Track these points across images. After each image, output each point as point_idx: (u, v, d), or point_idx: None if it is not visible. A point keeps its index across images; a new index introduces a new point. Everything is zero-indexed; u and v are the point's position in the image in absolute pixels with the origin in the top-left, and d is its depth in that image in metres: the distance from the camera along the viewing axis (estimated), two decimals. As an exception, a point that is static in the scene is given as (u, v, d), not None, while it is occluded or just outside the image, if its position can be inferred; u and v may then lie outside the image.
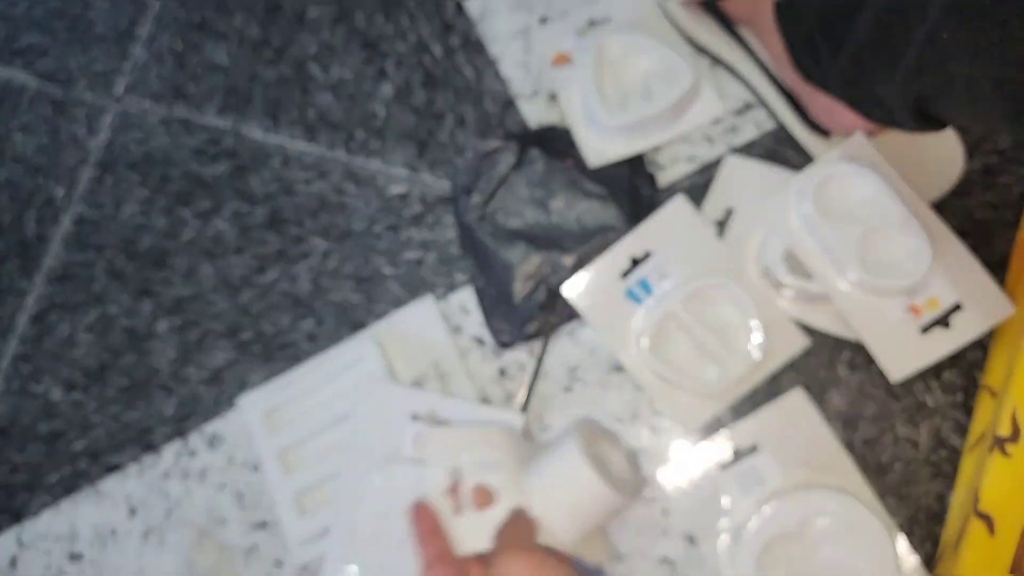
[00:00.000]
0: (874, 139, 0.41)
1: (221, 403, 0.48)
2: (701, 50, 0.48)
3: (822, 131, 0.44)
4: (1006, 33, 0.27)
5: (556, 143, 0.47)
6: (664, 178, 0.47)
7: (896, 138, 0.41)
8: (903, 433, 0.42)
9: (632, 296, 0.44)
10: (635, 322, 0.43)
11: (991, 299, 0.39)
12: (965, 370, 0.42)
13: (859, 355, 0.43)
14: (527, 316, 0.45)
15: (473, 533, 0.36)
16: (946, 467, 0.41)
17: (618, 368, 0.45)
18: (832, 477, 0.41)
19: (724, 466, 0.42)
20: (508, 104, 0.50)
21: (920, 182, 0.41)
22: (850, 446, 0.42)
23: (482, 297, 0.46)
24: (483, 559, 0.35)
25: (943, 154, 0.44)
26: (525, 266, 0.44)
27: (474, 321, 0.47)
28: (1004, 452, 0.36)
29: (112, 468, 0.48)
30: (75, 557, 0.46)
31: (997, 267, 0.42)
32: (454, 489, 0.37)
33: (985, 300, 0.39)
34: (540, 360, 0.45)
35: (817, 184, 0.39)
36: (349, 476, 0.42)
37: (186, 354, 0.49)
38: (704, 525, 0.41)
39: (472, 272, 0.47)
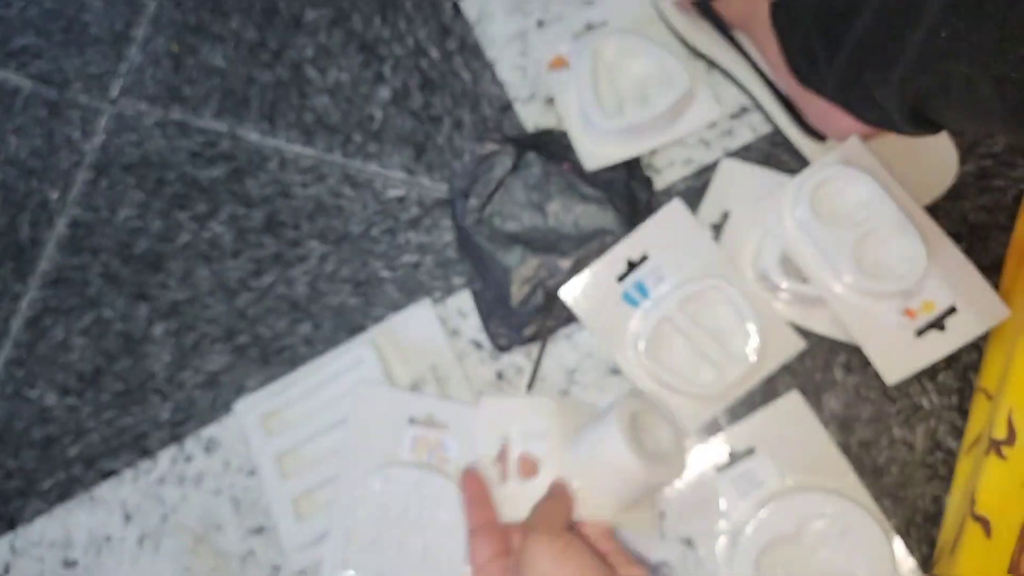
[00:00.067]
0: (869, 143, 0.41)
1: (217, 408, 0.47)
2: (697, 54, 0.48)
3: (818, 135, 0.44)
4: (1005, 32, 0.27)
5: (553, 146, 0.47)
6: (660, 181, 0.47)
7: (891, 142, 0.41)
8: (899, 435, 0.42)
9: (629, 299, 0.43)
10: (632, 325, 0.43)
11: (986, 302, 0.39)
12: (960, 372, 0.42)
13: (855, 358, 0.43)
14: (525, 320, 0.44)
15: (517, 502, 0.36)
16: (942, 469, 0.41)
17: (615, 371, 0.44)
18: (829, 479, 0.40)
19: (721, 469, 0.41)
20: (505, 107, 0.50)
21: (915, 185, 0.40)
22: (846, 448, 0.41)
23: (479, 301, 0.46)
24: (526, 530, 0.35)
25: (937, 158, 0.44)
26: (522, 269, 0.44)
27: (472, 324, 0.46)
28: (1000, 455, 0.36)
29: (107, 474, 0.47)
30: (69, 564, 0.46)
31: (992, 270, 0.42)
32: (501, 457, 0.37)
33: (980, 303, 0.39)
34: (538, 363, 0.45)
35: (813, 187, 0.39)
36: (347, 480, 0.41)
37: (182, 358, 0.48)
38: (701, 528, 0.41)
39: (469, 276, 0.46)
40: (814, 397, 0.42)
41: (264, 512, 0.44)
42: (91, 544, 0.46)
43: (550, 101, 0.49)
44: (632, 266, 0.44)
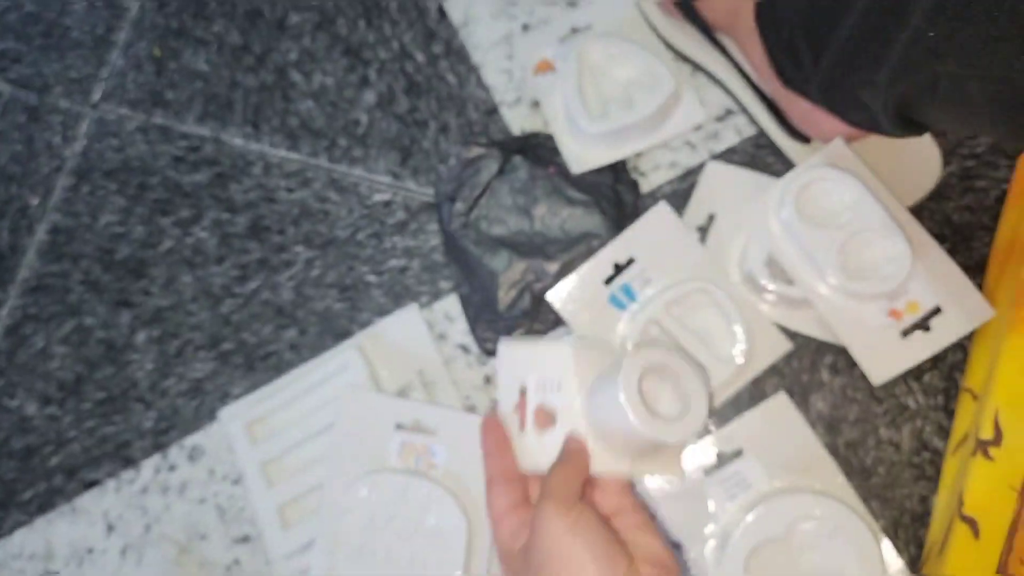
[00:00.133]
0: (853, 144, 0.40)
1: (202, 415, 0.45)
2: (682, 57, 0.47)
3: (802, 137, 0.43)
4: (993, 31, 0.26)
5: (539, 150, 0.46)
6: (646, 184, 0.46)
7: (875, 143, 0.41)
8: (886, 436, 0.41)
9: (616, 302, 0.42)
10: (619, 328, 0.42)
11: (970, 302, 0.38)
12: (946, 372, 0.41)
13: (841, 359, 0.42)
14: (512, 324, 0.43)
15: (533, 453, 0.34)
16: (929, 470, 0.40)
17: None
18: (816, 481, 0.39)
19: (709, 471, 0.40)
20: (491, 111, 0.49)
21: (898, 187, 0.40)
22: (834, 449, 0.41)
23: (466, 305, 0.45)
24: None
25: (921, 159, 0.43)
26: (509, 273, 0.43)
27: (459, 329, 0.45)
28: (987, 455, 0.35)
29: (89, 484, 0.45)
30: (50, 576, 0.44)
31: (976, 270, 0.41)
32: (520, 407, 0.35)
33: (964, 303, 0.38)
34: (525, 367, 0.43)
35: (798, 189, 0.39)
36: (333, 488, 0.40)
37: (165, 366, 0.47)
38: (690, 531, 0.40)
39: (456, 280, 0.45)
40: (801, 398, 0.42)
41: (250, 521, 0.43)
42: (73, 556, 0.44)
43: (536, 105, 0.48)
44: (619, 269, 0.43)
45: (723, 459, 0.40)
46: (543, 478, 0.33)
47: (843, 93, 0.36)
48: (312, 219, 0.48)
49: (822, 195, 0.39)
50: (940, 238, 0.39)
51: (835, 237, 0.38)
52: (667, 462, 0.35)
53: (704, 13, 0.44)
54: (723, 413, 0.42)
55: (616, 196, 0.45)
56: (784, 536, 0.38)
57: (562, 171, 0.45)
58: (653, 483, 0.41)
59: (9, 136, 0.52)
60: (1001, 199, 0.43)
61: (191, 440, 0.45)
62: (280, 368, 0.46)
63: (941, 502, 0.39)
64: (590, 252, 0.43)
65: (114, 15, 0.54)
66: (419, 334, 0.45)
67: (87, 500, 0.45)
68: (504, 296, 0.43)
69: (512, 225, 0.44)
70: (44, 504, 0.45)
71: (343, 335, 0.46)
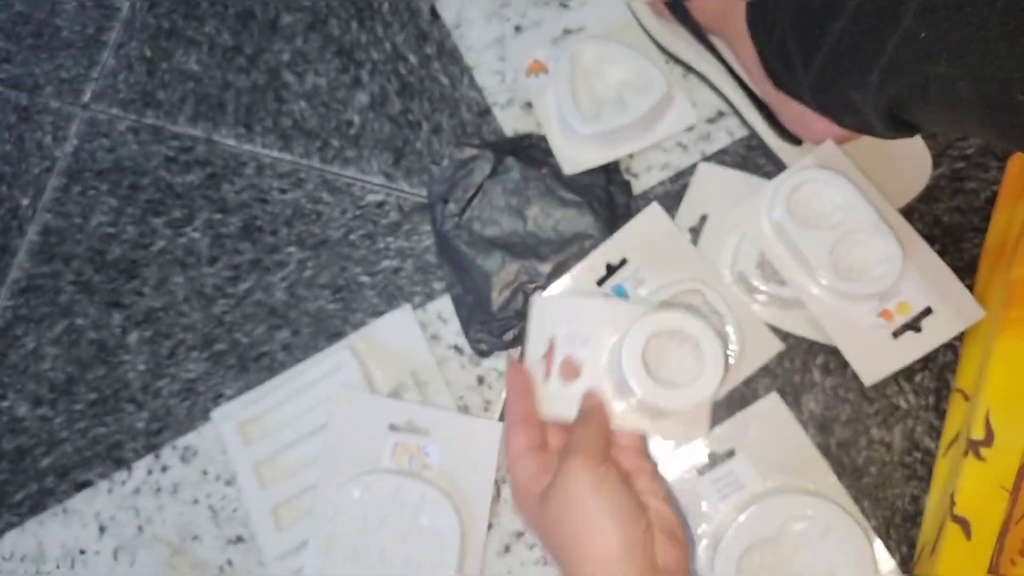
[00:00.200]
0: (844, 146, 0.39)
1: (194, 416, 0.44)
2: (674, 59, 0.46)
3: (794, 139, 0.42)
4: (984, 32, 0.26)
5: (532, 151, 0.45)
6: (639, 185, 0.45)
7: (865, 145, 0.40)
8: (877, 436, 0.40)
9: (609, 303, 0.41)
10: (612, 329, 0.41)
11: (961, 303, 0.38)
12: (937, 373, 0.40)
13: (833, 359, 0.41)
14: (505, 324, 0.42)
15: (555, 401, 0.35)
16: (920, 470, 0.39)
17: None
18: (808, 481, 0.39)
19: (701, 471, 0.39)
20: (484, 112, 0.48)
21: (889, 188, 0.39)
22: (825, 449, 0.40)
23: (459, 306, 0.44)
24: (563, 429, 0.35)
25: (911, 161, 0.42)
26: (502, 274, 0.42)
27: (452, 330, 0.44)
28: (978, 456, 0.34)
29: (81, 485, 0.44)
30: (42, 578, 0.43)
31: (966, 271, 0.40)
32: (547, 356, 0.36)
33: (955, 304, 0.38)
34: (518, 368, 0.42)
35: (789, 190, 0.38)
36: (327, 488, 0.39)
37: (157, 366, 0.45)
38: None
39: (449, 281, 0.44)
40: (793, 398, 0.41)
41: (243, 522, 0.42)
42: (65, 558, 0.43)
43: (528, 106, 0.47)
44: (611, 270, 0.42)
45: (715, 459, 0.40)
46: (571, 433, 0.33)
47: (834, 95, 0.35)
48: (305, 220, 0.47)
49: (813, 196, 0.38)
50: (930, 239, 0.39)
51: (826, 238, 0.37)
52: (689, 424, 0.35)
53: (696, 15, 0.43)
54: (715, 413, 0.41)
55: (609, 197, 0.44)
56: (776, 536, 0.37)
57: (555, 172, 0.44)
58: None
59: (-1, 136, 0.51)
60: (991, 200, 0.42)
61: (184, 441, 0.44)
62: (273, 369, 0.44)
63: (933, 502, 0.38)
64: (583, 253, 0.42)
65: (105, 15, 0.52)
66: (412, 335, 0.44)
67: (79, 501, 0.43)
68: (497, 297, 0.42)
69: (505, 226, 0.43)
70: (36, 505, 0.44)
71: (336, 336, 0.45)
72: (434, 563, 0.38)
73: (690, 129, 0.45)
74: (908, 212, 0.41)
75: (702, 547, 0.38)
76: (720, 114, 0.46)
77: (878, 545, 0.38)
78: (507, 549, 0.40)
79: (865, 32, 0.31)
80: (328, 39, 0.50)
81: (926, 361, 0.40)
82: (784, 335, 0.41)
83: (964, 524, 0.34)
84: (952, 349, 0.40)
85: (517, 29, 0.49)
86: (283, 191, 0.48)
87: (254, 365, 0.45)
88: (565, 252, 0.42)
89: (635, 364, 0.32)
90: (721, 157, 0.45)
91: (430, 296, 0.45)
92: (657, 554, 0.31)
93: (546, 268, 0.42)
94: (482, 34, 0.49)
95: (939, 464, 0.39)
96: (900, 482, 0.39)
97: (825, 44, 0.33)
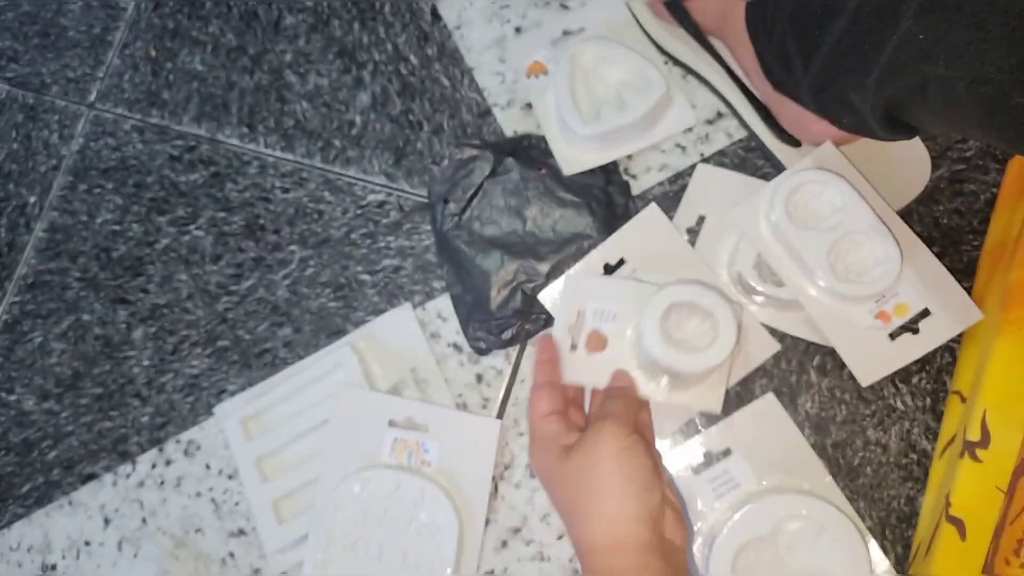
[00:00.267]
0: (843, 148, 0.39)
1: (198, 411, 0.44)
2: (673, 60, 0.45)
3: (793, 140, 0.42)
4: (982, 33, 0.25)
5: (531, 152, 0.44)
6: (637, 186, 0.45)
7: (865, 147, 0.39)
8: (873, 437, 0.39)
9: (607, 303, 0.41)
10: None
11: (958, 305, 0.37)
12: (935, 375, 0.40)
13: (830, 360, 0.40)
14: (504, 323, 0.42)
15: (579, 369, 0.38)
16: (916, 471, 0.39)
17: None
18: (804, 481, 0.38)
19: (697, 470, 0.39)
20: (484, 113, 0.47)
21: (888, 190, 0.39)
22: (821, 450, 0.39)
23: (459, 305, 0.43)
24: (579, 402, 0.38)
25: (910, 163, 0.42)
26: (501, 273, 0.42)
27: (451, 328, 0.44)
28: (975, 457, 0.34)
29: (86, 478, 0.44)
30: (48, 568, 0.43)
31: (965, 273, 0.40)
32: (575, 328, 0.38)
33: (953, 306, 0.37)
34: (516, 366, 0.42)
35: (788, 192, 0.37)
36: (327, 483, 0.39)
37: (162, 362, 0.45)
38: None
39: (449, 280, 0.44)
40: (789, 399, 0.40)
41: (245, 515, 0.42)
42: (70, 548, 0.43)
43: (529, 107, 0.47)
44: (609, 269, 0.41)
45: (711, 458, 0.39)
46: (602, 404, 0.35)
47: (833, 96, 0.35)
48: (307, 219, 0.47)
49: (812, 197, 0.38)
50: (929, 241, 0.38)
51: (824, 239, 0.36)
52: (702, 395, 0.37)
53: (695, 16, 0.42)
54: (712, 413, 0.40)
55: (607, 198, 0.43)
56: (771, 535, 0.36)
57: (554, 173, 0.43)
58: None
59: (7, 135, 0.51)
60: (991, 203, 0.41)
61: (187, 435, 0.44)
62: (275, 365, 0.44)
63: (928, 503, 0.38)
64: (581, 253, 0.42)
65: (110, 15, 0.52)
66: (412, 333, 0.43)
67: (84, 494, 0.43)
68: (496, 296, 0.42)
69: (504, 226, 0.43)
70: (42, 497, 0.44)
71: (337, 333, 0.44)
72: (432, 557, 0.38)
73: (689, 130, 0.45)
74: (907, 214, 0.41)
75: (697, 545, 0.38)
76: (719, 115, 0.45)
77: (873, 545, 0.37)
78: (504, 544, 0.40)
79: (864, 33, 0.30)
80: (330, 40, 0.50)
81: (923, 363, 0.39)
82: (781, 336, 0.41)
83: (959, 525, 0.33)
84: (950, 351, 0.40)
85: (517, 30, 0.48)
86: (285, 190, 0.48)
87: (256, 362, 0.45)
88: (563, 252, 0.42)
89: (655, 330, 0.35)
90: (720, 158, 0.44)
91: (430, 295, 0.45)
92: (666, 527, 0.32)
93: (544, 268, 0.41)
94: (483, 35, 0.49)
95: (935, 466, 0.38)
96: (896, 483, 0.39)
97: (824, 45, 0.33)
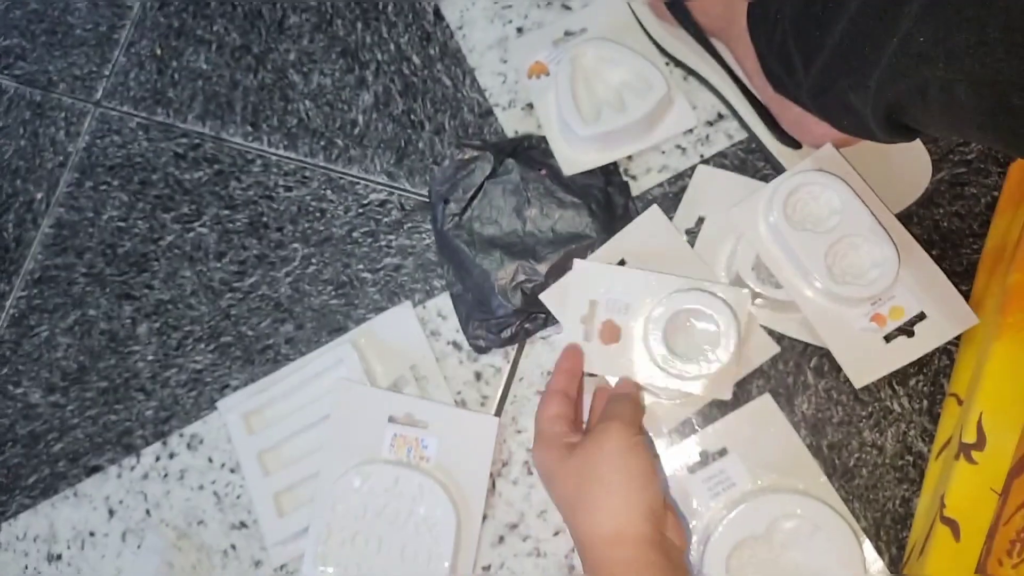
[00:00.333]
0: (844, 150, 0.38)
1: (201, 406, 0.44)
2: (674, 61, 0.45)
3: (793, 142, 0.41)
4: (983, 36, 0.25)
5: (532, 152, 0.44)
6: (637, 187, 0.44)
7: (865, 150, 0.39)
8: (869, 439, 0.39)
9: (605, 302, 0.41)
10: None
11: (955, 309, 0.37)
12: (932, 377, 0.39)
13: (827, 361, 0.40)
14: (503, 322, 0.42)
15: (592, 358, 0.38)
16: (912, 472, 0.39)
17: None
18: (799, 481, 0.38)
19: (693, 469, 0.39)
20: (486, 113, 0.47)
21: (888, 193, 0.38)
22: (817, 451, 0.39)
23: (458, 303, 0.43)
24: (578, 420, 0.37)
25: (911, 165, 0.41)
26: (501, 273, 0.42)
27: (451, 326, 0.44)
28: (970, 459, 0.34)
29: (91, 470, 0.44)
30: (54, 558, 0.43)
31: (964, 276, 0.39)
32: (589, 318, 0.38)
33: (949, 309, 0.37)
34: (515, 364, 0.42)
35: (786, 193, 0.37)
36: (327, 477, 0.39)
37: (166, 357, 0.46)
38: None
39: (449, 279, 0.44)
40: (786, 400, 0.40)
41: (246, 508, 0.42)
42: (75, 539, 0.43)
43: (530, 107, 0.46)
44: (608, 270, 0.41)
45: (707, 457, 0.39)
46: (608, 404, 0.36)
47: (834, 98, 0.34)
48: (309, 217, 0.47)
49: (810, 199, 0.37)
50: (929, 244, 0.38)
51: (822, 241, 0.36)
52: (712, 385, 0.37)
53: (696, 16, 0.42)
54: (709, 413, 0.40)
55: (607, 199, 0.43)
56: (766, 534, 0.36)
57: (554, 173, 0.43)
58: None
59: (14, 132, 0.51)
60: (991, 206, 0.41)
61: (190, 429, 0.44)
62: (277, 361, 0.44)
63: (923, 504, 0.38)
64: (580, 253, 0.41)
65: (116, 14, 0.52)
66: (412, 331, 0.43)
67: (89, 485, 0.44)
68: (496, 295, 0.42)
69: (504, 226, 0.43)
70: (48, 488, 0.44)
71: (338, 330, 0.45)
72: (430, 551, 0.38)
73: (689, 132, 0.45)
74: (907, 217, 0.40)
75: (692, 543, 0.38)
76: (720, 117, 0.45)
77: (867, 546, 0.37)
78: (501, 540, 0.40)
79: (865, 34, 0.30)
80: (334, 39, 0.50)
81: (921, 366, 0.39)
82: (779, 337, 0.40)
83: (953, 526, 0.33)
84: (947, 354, 0.39)
85: (519, 31, 0.48)
86: (288, 188, 0.48)
87: (259, 357, 0.45)
88: (562, 252, 0.42)
89: (659, 338, 0.36)
90: (720, 160, 0.44)
91: (430, 293, 0.45)
92: (667, 527, 0.32)
93: (544, 268, 0.41)
94: (484, 35, 0.48)
95: (931, 467, 0.38)
96: (891, 484, 0.39)
97: (825, 46, 0.32)
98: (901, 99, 0.30)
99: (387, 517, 0.38)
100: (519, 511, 0.40)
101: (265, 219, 0.47)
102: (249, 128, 0.49)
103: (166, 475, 0.43)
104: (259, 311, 0.46)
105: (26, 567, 0.43)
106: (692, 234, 0.42)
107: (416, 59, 0.49)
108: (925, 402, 0.39)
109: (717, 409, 0.40)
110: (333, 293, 0.46)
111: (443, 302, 0.44)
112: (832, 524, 0.36)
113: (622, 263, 0.41)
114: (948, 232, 0.41)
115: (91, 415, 0.45)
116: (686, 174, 0.44)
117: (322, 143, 0.48)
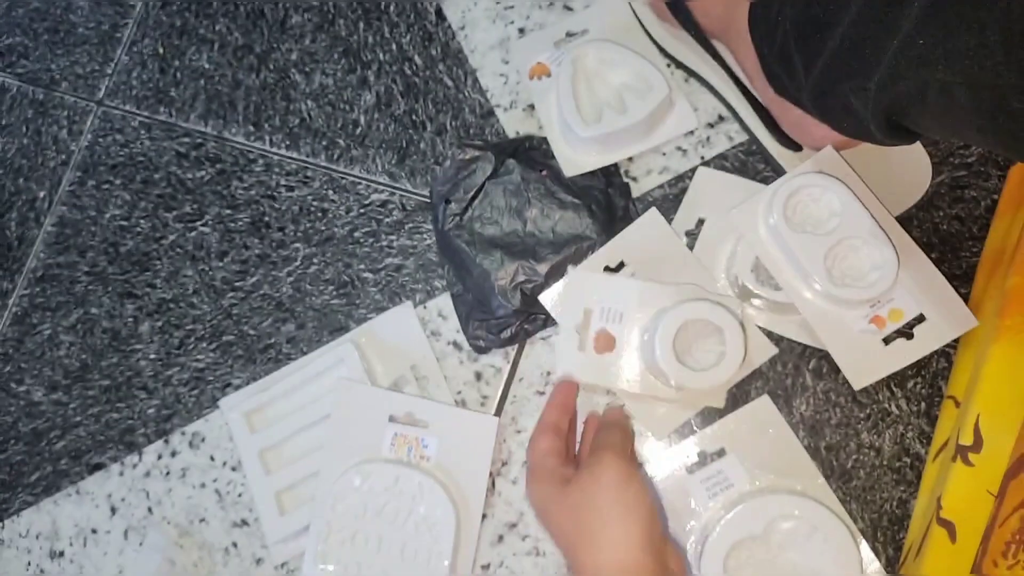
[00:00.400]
0: (844, 153, 0.38)
1: (203, 404, 0.44)
2: (676, 63, 0.45)
3: (794, 144, 0.41)
4: (982, 39, 0.25)
5: (533, 153, 0.44)
6: (637, 189, 0.44)
7: (865, 152, 0.39)
8: (867, 440, 0.39)
9: (605, 303, 0.41)
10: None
11: (954, 311, 0.37)
12: (930, 380, 0.39)
13: (825, 363, 0.40)
14: (503, 323, 0.42)
15: (586, 368, 0.38)
16: (909, 474, 0.39)
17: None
18: (797, 482, 0.38)
19: (691, 469, 0.39)
20: (487, 114, 0.47)
21: (888, 195, 0.38)
22: (815, 452, 0.39)
23: (459, 304, 0.43)
24: (571, 453, 0.37)
25: (911, 168, 0.41)
26: (501, 274, 0.41)
27: (451, 326, 0.44)
28: (967, 461, 0.34)
29: (94, 468, 0.44)
30: (56, 555, 0.43)
31: (963, 279, 0.39)
32: (584, 327, 0.38)
33: (948, 312, 0.37)
34: (515, 365, 0.42)
35: (786, 195, 0.37)
36: (328, 476, 0.39)
37: (168, 356, 0.46)
38: (671, 527, 0.38)
39: (449, 279, 0.44)
40: (784, 401, 0.40)
41: (247, 506, 0.42)
42: (78, 536, 0.43)
43: (531, 108, 0.46)
44: (609, 272, 0.41)
45: (705, 458, 0.39)
46: (599, 433, 0.35)
47: (834, 100, 0.34)
48: (311, 217, 0.47)
49: (810, 201, 0.37)
50: (929, 247, 0.38)
51: (821, 243, 0.36)
52: (707, 394, 0.37)
53: (698, 17, 0.42)
54: (708, 414, 0.40)
55: (607, 200, 0.43)
56: (763, 534, 0.36)
57: (555, 174, 0.43)
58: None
59: (17, 130, 0.51)
60: (991, 209, 0.41)
61: (192, 427, 0.44)
62: (279, 360, 0.44)
63: (920, 506, 0.38)
64: (581, 254, 0.41)
65: (119, 12, 0.52)
66: (413, 331, 0.43)
67: (92, 483, 0.44)
68: (496, 296, 0.42)
69: (505, 226, 0.42)
70: (50, 486, 0.44)
71: (339, 330, 0.45)
72: (430, 550, 0.38)
73: (690, 133, 0.44)
74: (907, 219, 0.40)
75: (690, 543, 0.38)
76: (720, 119, 0.45)
77: (864, 546, 0.37)
78: (500, 539, 0.40)
79: (865, 37, 0.30)
80: (336, 39, 0.50)
81: (919, 368, 0.39)
82: (778, 339, 0.40)
83: (949, 527, 0.33)
84: (945, 357, 0.39)
85: (521, 32, 0.48)
86: (290, 188, 0.48)
87: (260, 357, 0.45)
88: (563, 253, 0.41)
89: (667, 349, 0.35)
90: (720, 162, 0.44)
91: (431, 293, 0.45)
92: (669, 558, 0.32)
93: (544, 268, 0.41)
94: (486, 36, 0.48)
95: (928, 469, 0.38)
96: (888, 486, 0.39)
97: (826, 49, 0.32)
98: (901, 101, 0.30)
99: (387, 516, 0.38)
100: (518, 510, 0.40)
101: (267, 219, 0.47)
102: (251, 128, 0.49)
103: (168, 473, 0.44)
104: (261, 310, 0.46)
105: (29, 564, 0.43)
106: (692, 236, 0.42)
107: (418, 59, 0.49)
108: (923, 404, 0.39)
109: (716, 410, 0.40)
110: (334, 293, 0.46)
111: (444, 302, 0.44)
112: (829, 525, 0.36)
113: (622, 265, 0.41)
114: (948, 235, 0.41)
115: (93, 413, 0.45)
116: (686, 176, 0.44)
117: (324, 143, 0.48)
